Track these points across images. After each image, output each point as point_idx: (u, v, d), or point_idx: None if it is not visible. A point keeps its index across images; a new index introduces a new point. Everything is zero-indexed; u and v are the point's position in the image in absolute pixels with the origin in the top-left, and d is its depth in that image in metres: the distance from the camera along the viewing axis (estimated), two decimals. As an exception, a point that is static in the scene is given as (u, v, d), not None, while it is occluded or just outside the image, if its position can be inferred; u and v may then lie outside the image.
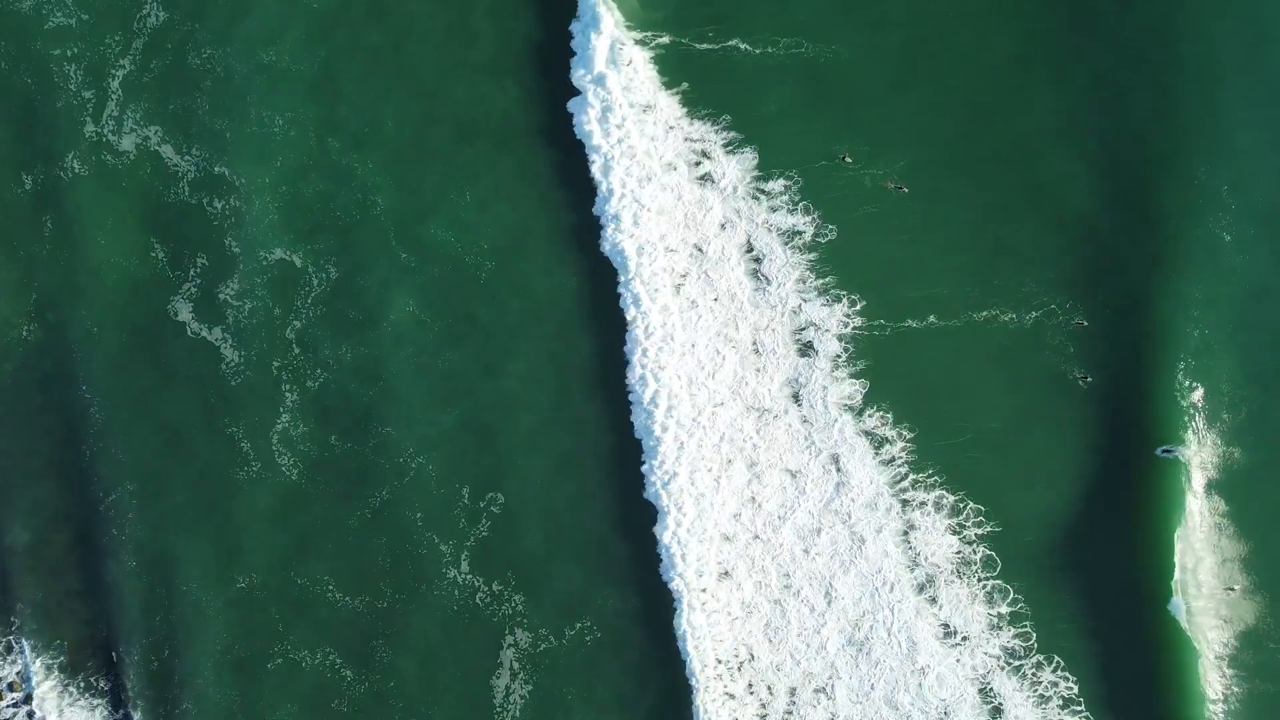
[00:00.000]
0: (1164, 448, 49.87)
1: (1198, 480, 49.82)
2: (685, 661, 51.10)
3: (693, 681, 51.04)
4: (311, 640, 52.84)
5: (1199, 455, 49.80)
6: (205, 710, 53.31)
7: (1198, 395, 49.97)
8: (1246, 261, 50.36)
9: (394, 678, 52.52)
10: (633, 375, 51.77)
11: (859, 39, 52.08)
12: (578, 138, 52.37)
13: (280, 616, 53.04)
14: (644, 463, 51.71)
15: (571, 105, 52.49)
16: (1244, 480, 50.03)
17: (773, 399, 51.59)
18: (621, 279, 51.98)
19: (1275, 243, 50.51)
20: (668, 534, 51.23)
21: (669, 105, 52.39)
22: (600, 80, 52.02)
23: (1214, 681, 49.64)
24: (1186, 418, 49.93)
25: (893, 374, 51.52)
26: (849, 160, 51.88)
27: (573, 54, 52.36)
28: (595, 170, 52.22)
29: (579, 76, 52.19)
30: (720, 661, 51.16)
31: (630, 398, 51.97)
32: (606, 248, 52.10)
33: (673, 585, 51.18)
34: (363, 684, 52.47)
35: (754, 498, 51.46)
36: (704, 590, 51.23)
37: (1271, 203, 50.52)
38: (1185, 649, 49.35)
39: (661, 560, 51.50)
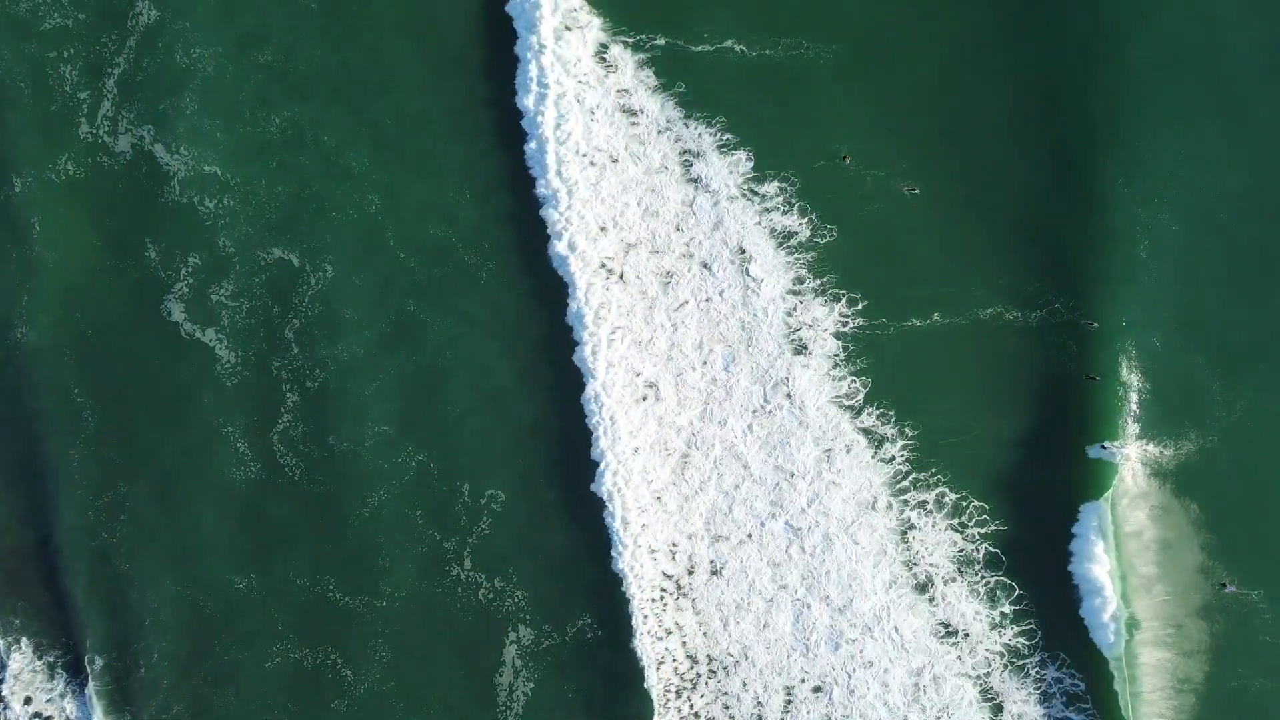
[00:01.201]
0: (1102, 444, 49.76)
1: (1151, 478, 49.81)
2: (643, 670, 51.39)
3: (647, 685, 51.18)
4: (311, 640, 52.97)
5: (1138, 453, 49.78)
6: (204, 712, 53.54)
7: (1136, 386, 49.98)
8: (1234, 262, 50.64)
9: (395, 677, 52.63)
10: (617, 376, 51.72)
11: (860, 40, 51.91)
12: (568, 139, 52.44)
13: (280, 616, 53.11)
14: (597, 451, 51.78)
15: (557, 106, 52.48)
16: (1222, 477, 49.98)
17: (768, 398, 51.39)
18: (602, 281, 51.94)
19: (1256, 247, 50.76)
20: (621, 536, 51.49)
21: (663, 107, 52.30)
22: (585, 82, 52.18)
23: (1175, 676, 49.58)
24: (1172, 416, 50.13)
25: (895, 372, 51.45)
26: (849, 161, 51.64)
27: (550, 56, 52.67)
28: (574, 172, 52.20)
29: (560, 78, 52.45)
30: (712, 659, 51.19)
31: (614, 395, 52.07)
32: (594, 249, 52.10)
33: (628, 591, 51.44)
34: (363, 684, 52.60)
35: (747, 497, 51.33)
36: (691, 589, 51.36)
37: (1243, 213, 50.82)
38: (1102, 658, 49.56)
39: (624, 562, 51.71)
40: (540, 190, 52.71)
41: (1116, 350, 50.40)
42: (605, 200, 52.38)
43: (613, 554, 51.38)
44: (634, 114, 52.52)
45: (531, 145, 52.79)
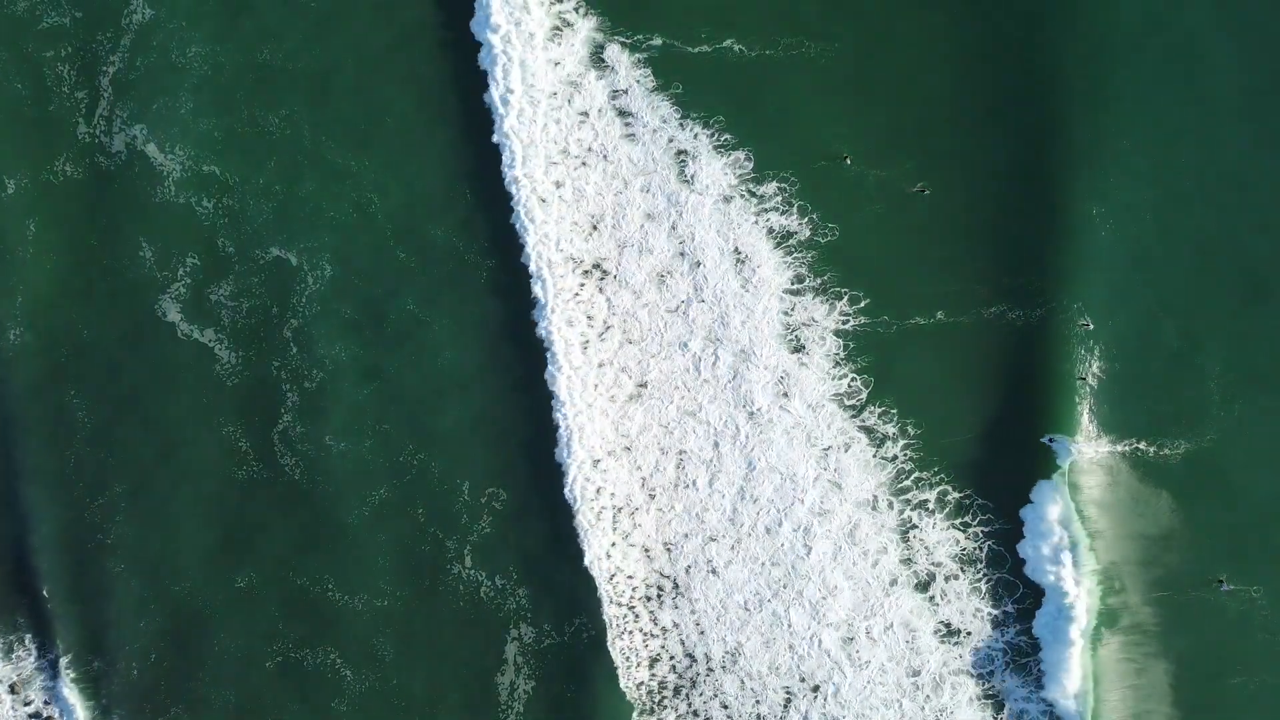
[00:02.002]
0: (1049, 436, 49.73)
1: (1146, 476, 49.66)
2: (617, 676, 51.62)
3: (624, 686, 51.39)
4: (312, 640, 53.09)
5: (1130, 451, 49.66)
6: (204, 711, 53.71)
7: (1132, 385, 49.83)
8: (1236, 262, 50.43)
9: (395, 676, 52.72)
10: (611, 375, 51.68)
11: (861, 39, 51.66)
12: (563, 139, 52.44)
13: (280, 616, 53.24)
14: (564, 454, 51.91)
15: (549, 106, 52.39)
16: (1221, 475, 49.73)
17: (767, 396, 51.27)
18: (601, 280, 51.88)
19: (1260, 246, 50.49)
20: (611, 535, 51.60)
21: (659, 107, 52.17)
22: (577, 83, 52.20)
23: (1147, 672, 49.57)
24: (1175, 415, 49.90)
25: (898, 371, 51.27)
26: (849, 161, 51.43)
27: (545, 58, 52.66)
28: (568, 172, 52.10)
29: (555, 75, 52.35)
30: (710, 658, 51.21)
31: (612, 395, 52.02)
32: (588, 248, 51.97)
33: (600, 592, 51.61)
34: (363, 684, 52.71)
35: (746, 495, 51.26)
36: (689, 587, 51.45)
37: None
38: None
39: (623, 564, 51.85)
40: (535, 189, 52.56)
41: (1113, 349, 50.24)
42: (599, 200, 52.20)
43: (584, 555, 51.57)
44: (629, 114, 52.32)
45: (524, 145, 52.58)
